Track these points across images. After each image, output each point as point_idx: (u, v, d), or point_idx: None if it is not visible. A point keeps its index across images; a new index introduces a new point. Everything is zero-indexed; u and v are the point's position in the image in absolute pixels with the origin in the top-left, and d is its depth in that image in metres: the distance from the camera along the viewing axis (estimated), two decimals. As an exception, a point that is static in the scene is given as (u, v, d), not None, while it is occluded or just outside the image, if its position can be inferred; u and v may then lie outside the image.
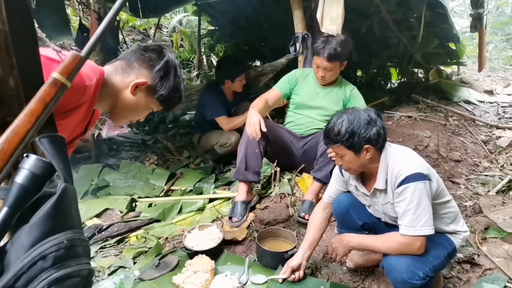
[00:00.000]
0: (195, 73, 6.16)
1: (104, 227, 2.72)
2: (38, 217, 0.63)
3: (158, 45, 1.33)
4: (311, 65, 3.16)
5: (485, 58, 4.99)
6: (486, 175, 3.07)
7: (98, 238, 2.57)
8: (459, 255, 2.17)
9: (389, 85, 6.15)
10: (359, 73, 6.40)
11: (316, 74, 2.66)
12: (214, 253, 2.15)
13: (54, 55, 1.10)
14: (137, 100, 1.29)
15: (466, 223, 2.42)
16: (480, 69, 4.54)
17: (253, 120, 2.32)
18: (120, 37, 5.96)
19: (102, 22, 0.75)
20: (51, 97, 0.68)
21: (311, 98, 2.74)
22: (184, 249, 2.18)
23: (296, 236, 2.31)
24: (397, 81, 6.10)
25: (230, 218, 2.52)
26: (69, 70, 0.72)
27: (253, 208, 2.64)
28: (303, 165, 2.76)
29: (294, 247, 2.08)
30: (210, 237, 2.25)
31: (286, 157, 2.71)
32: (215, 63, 6.28)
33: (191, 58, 7.07)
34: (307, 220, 2.39)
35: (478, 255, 2.19)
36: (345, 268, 2.12)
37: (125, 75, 1.26)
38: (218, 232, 2.28)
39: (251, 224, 2.45)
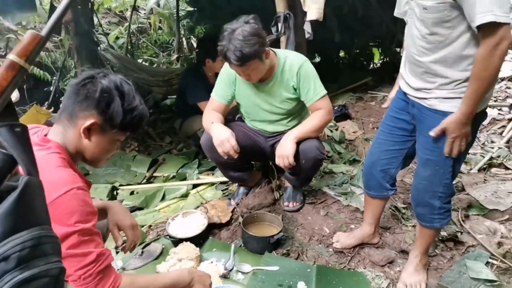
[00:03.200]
0: (175, 56, 6.01)
1: (85, 217, 2.64)
2: (-2, 215, 0.57)
3: (88, 76, 1.22)
4: (293, 46, 3.10)
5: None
6: (468, 154, 3.11)
7: (79, 228, 2.50)
8: (443, 233, 2.19)
9: (372, 65, 6.15)
10: (341, 53, 6.35)
11: (240, 77, 2.10)
12: (199, 240, 2.12)
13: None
14: (97, 142, 1.22)
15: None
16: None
17: (224, 136, 1.94)
18: (96, 20, 5.74)
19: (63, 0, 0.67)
20: (8, 81, 0.61)
21: (254, 103, 2.25)
22: (168, 237, 2.14)
23: (282, 220, 2.29)
24: (380, 61, 6.09)
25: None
26: (28, 52, 0.65)
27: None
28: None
29: (280, 231, 2.06)
30: (195, 224, 2.21)
31: (257, 156, 2.51)
32: (195, 46, 6.14)
33: (170, 41, 6.89)
34: (293, 208, 2.39)
35: (461, 233, 2.22)
36: (331, 250, 2.12)
37: (74, 125, 1.20)
38: (203, 218, 2.24)
39: (235, 209, 2.42)
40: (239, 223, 2.23)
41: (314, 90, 2.12)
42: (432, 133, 1.54)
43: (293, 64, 2.12)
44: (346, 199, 2.49)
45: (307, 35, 3.20)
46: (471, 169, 2.87)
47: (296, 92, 2.16)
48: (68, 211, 1.06)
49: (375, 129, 3.32)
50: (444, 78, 1.50)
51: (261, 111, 2.26)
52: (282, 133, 2.28)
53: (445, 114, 1.53)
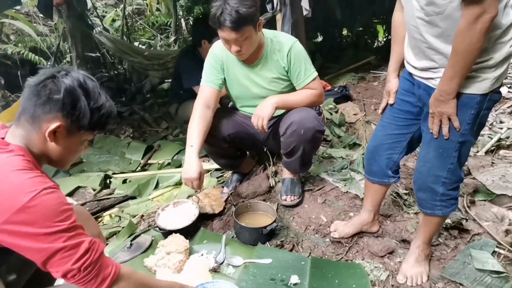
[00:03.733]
0: (172, 38, 5.83)
1: (75, 207, 2.57)
2: None
3: (49, 75, 1.12)
4: (290, 25, 2.94)
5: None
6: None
7: (68, 219, 2.43)
8: (447, 220, 2.07)
9: (376, 43, 5.92)
10: (344, 32, 6.13)
11: (229, 50, 1.93)
12: (189, 231, 2.03)
13: None
14: (63, 144, 1.15)
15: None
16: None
17: (190, 174, 1.89)
18: (89, 3, 5.58)
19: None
20: None
21: (244, 87, 2.13)
22: (157, 228, 2.05)
23: (277, 209, 2.19)
24: (384, 39, 5.86)
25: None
26: None
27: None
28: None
29: (274, 221, 1.96)
30: (186, 214, 2.12)
31: (250, 145, 2.40)
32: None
33: (168, 23, 6.70)
34: (291, 203, 2.23)
35: (466, 220, 2.10)
36: (328, 240, 2.02)
37: (37, 129, 1.11)
38: (194, 208, 2.14)
39: (229, 198, 2.32)
40: (232, 212, 2.13)
41: (305, 73, 2.04)
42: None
43: (283, 44, 2.02)
44: (345, 185, 2.37)
45: (305, 12, 3.04)
46: (477, 152, 2.72)
47: (287, 75, 2.07)
48: (44, 212, 0.99)
49: (377, 110, 3.17)
50: (447, 56, 1.35)
51: (251, 95, 2.15)
52: (274, 118, 2.16)
53: None
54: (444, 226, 2.04)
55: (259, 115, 1.97)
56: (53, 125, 1.09)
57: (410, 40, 1.52)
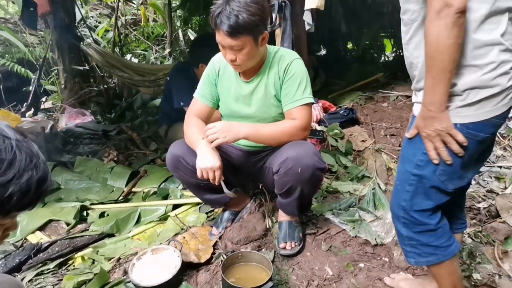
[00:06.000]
0: (167, 50, 5.54)
1: (43, 246, 2.24)
2: None
3: None
4: (290, 40, 2.64)
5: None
6: (500, 167, 2.60)
7: (33, 262, 2.10)
8: (475, 275, 1.74)
9: (383, 57, 5.63)
10: (349, 45, 5.84)
11: (224, 57, 1.71)
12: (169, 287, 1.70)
13: None
14: None
15: (481, 230, 2.02)
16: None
17: (212, 163, 1.67)
18: (83, 11, 5.30)
19: None
20: None
21: (238, 104, 1.87)
22: (130, 283, 1.72)
23: (274, 258, 1.86)
24: (392, 54, 5.56)
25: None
26: None
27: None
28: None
29: (270, 279, 1.62)
30: (166, 265, 1.79)
31: (237, 179, 2.11)
32: (193, 39, 5.66)
33: (165, 34, 6.42)
34: (290, 252, 1.88)
35: (500, 276, 1.76)
36: (334, 301, 1.67)
37: None
38: (176, 257, 1.81)
39: (217, 243, 1.98)
40: (221, 261, 1.80)
41: (295, 94, 1.74)
42: (408, 134, 1.27)
43: (284, 57, 1.79)
44: (354, 228, 2.03)
45: (307, 27, 2.74)
46: (506, 188, 2.38)
47: (280, 92, 1.80)
48: None
49: (388, 136, 2.84)
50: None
51: (241, 115, 1.88)
52: (264, 150, 1.91)
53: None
54: (473, 283, 1.70)
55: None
56: None
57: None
